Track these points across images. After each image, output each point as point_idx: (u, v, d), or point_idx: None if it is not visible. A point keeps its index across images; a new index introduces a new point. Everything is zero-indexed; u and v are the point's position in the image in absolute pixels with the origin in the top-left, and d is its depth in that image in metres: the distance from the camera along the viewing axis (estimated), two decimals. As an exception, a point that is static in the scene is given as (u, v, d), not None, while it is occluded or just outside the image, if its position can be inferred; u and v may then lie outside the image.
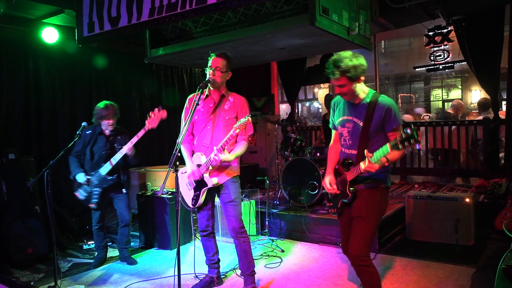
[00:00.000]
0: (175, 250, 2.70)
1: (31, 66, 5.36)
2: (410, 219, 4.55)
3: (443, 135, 6.43)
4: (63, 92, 5.70)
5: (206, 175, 3.13)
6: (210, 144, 3.17)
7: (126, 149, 3.81)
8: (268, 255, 4.24)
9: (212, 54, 3.21)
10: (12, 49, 5.17)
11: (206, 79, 3.15)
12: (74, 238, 5.09)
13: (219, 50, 3.43)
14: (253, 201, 4.90)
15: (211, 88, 3.24)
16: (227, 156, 3.04)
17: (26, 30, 5.34)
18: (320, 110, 17.33)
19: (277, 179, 5.72)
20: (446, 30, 6.83)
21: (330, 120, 2.84)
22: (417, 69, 10.36)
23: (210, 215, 3.39)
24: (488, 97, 6.01)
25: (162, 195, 4.56)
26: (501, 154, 5.87)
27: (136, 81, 6.63)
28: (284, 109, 14.20)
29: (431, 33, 6.99)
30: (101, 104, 3.99)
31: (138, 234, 4.94)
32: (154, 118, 3.62)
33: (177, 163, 2.68)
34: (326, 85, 14.47)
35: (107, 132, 4.02)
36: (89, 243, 4.80)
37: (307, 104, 19.12)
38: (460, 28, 5.91)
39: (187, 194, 3.31)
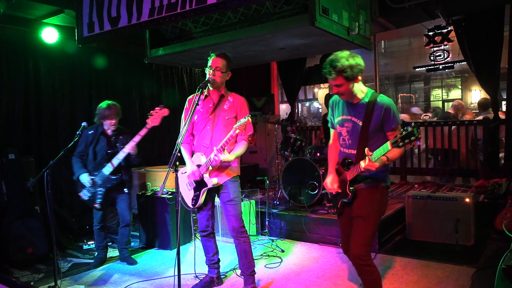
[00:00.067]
0: (175, 250, 2.69)
1: (31, 66, 5.36)
2: (410, 219, 4.55)
3: (443, 135, 6.43)
4: (63, 92, 5.71)
5: (206, 176, 3.13)
6: (210, 144, 3.17)
7: (130, 148, 3.82)
8: (268, 255, 4.24)
9: (212, 54, 3.21)
10: (12, 49, 5.17)
11: (206, 79, 3.15)
12: (74, 238, 5.09)
13: (219, 50, 3.43)
14: (253, 201, 4.90)
15: (211, 88, 3.23)
16: (227, 157, 3.04)
17: (26, 30, 5.35)
18: (320, 110, 17.33)
19: (277, 179, 5.72)
20: (446, 30, 6.83)
21: (329, 119, 2.84)
22: (417, 69, 10.36)
23: (210, 215, 3.39)
24: (488, 97, 6.02)
25: (162, 195, 4.56)
26: (501, 154, 5.87)
27: (136, 81, 6.64)
28: (284, 109, 14.21)
29: (431, 33, 6.99)
30: (103, 104, 3.99)
31: (138, 234, 4.94)
32: (156, 116, 3.63)
33: (177, 163, 2.68)
34: (326, 85, 14.44)
35: (109, 132, 4.03)
36: (89, 243, 4.80)
37: (307, 104, 19.14)
38: (460, 28, 5.91)
39: (187, 194, 3.31)
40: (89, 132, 4.02)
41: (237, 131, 2.91)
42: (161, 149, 6.98)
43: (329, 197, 2.81)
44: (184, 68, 7.40)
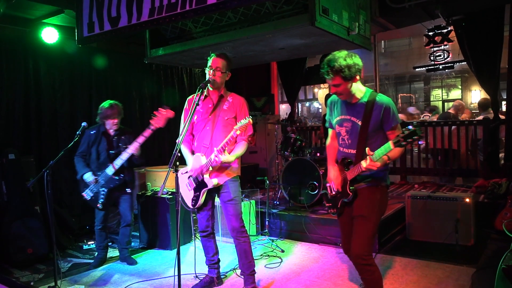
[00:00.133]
0: (175, 250, 2.69)
1: (31, 66, 5.36)
2: (410, 219, 4.55)
3: (443, 135, 6.43)
4: (63, 92, 5.70)
5: (206, 176, 3.13)
6: (210, 144, 3.17)
7: (133, 149, 3.81)
8: (268, 255, 4.24)
9: (212, 54, 3.21)
10: (12, 49, 5.16)
11: (206, 79, 3.15)
12: (74, 238, 5.09)
13: (219, 50, 3.42)
14: (253, 201, 4.90)
15: (210, 89, 3.23)
16: (228, 157, 3.04)
17: (26, 30, 5.34)
18: (320, 110, 17.34)
19: (277, 179, 5.72)
20: (446, 30, 6.83)
21: (327, 119, 2.84)
22: (417, 69, 10.36)
23: (210, 215, 3.38)
24: (488, 97, 6.02)
25: (162, 195, 4.56)
26: (501, 154, 5.87)
27: (136, 81, 6.63)
28: (284, 109, 14.21)
29: (431, 33, 6.99)
30: (106, 104, 3.99)
31: (138, 234, 4.94)
32: (160, 117, 3.59)
33: (177, 163, 2.68)
34: (326, 85, 14.39)
35: (111, 131, 4.03)
36: (89, 243, 4.80)
37: (307, 104, 19.14)
38: (460, 28, 5.91)
39: (187, 194, 3.31)
40: (91, 132, 4.02)
41: (238, 132, 2.89)
42: (161, 149, 6.97)
43: (328, 197, 2.81)
44: (184, 68, 7.40)
